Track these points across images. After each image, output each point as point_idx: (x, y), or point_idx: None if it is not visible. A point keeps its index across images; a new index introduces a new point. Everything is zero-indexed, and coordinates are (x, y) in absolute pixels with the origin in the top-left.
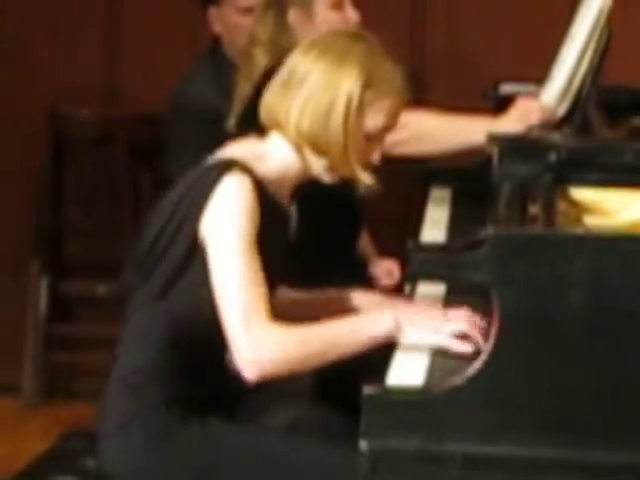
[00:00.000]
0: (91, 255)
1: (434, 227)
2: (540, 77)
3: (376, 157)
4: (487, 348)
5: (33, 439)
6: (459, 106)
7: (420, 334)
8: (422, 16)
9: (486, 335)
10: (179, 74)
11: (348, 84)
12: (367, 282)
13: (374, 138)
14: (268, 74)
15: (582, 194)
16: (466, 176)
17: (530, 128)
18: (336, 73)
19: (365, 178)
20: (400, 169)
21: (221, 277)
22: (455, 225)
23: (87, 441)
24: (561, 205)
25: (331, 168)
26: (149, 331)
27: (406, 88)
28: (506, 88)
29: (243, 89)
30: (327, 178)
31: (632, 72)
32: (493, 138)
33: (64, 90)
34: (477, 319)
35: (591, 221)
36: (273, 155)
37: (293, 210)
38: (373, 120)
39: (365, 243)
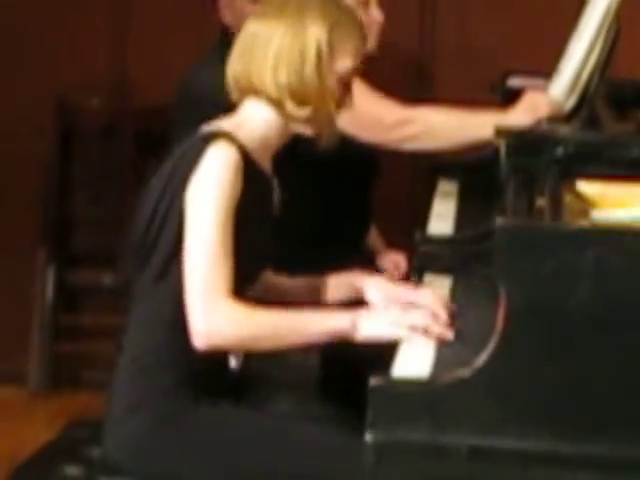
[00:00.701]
0: (98, 245)
1: (441, 220)
2: (550, 71)
3: (349, 103)
4: (494, 340)
5: (39, 428)
6: (468, 99)
7: (376, 328)
8: (432, 9)
9: (449, 327)
10: (187, 65)
11: (315, 30)
12: (374, 274)
13: (345, 82)
14: None
15: (589, 188)
16: (473, 169)
17: (538, 122)
18: (300, 24)
19: (340, 121)
20: (407, 162)
21: (190, 246)
22: (462, 218)
23: (93, 430)
24: (568, 198)
25: (312, 119)
26: (154, 314)
27: (363, 31)
28: (514, 81)
29: None
30: (308, 131)
31: None
32: (500, 131)
33: (72, 81)
34: (441, 310)
35: (598, 215)
36: (252, 120)
37: (275, 181)
38: (342, 62)
39: (373, 236)
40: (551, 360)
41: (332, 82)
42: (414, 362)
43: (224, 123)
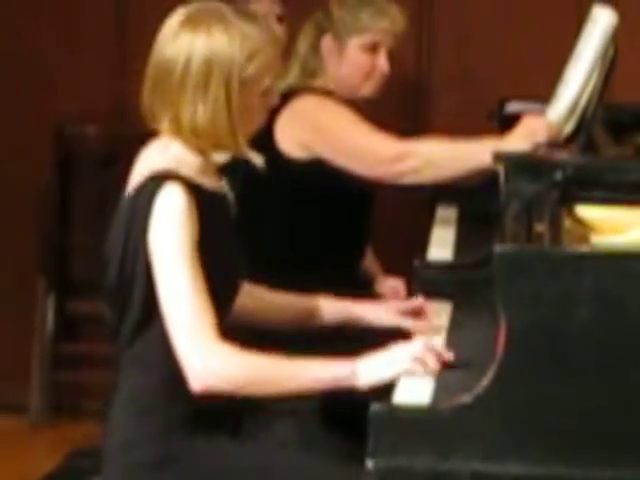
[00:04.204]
0: (98, 274)
1: (440, 245)
2: (548, 96)
3: (274, 100)
4: (495, 365)
5: (40, 458)
6: (466, 126)
7: (376, 371)
8: (429, 36)
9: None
10: None
11: (221, 71)
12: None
13: (270, 90)
14: (290, 95)
15: (588, 212)
16: (472, 195)
17: (536, 146)
18: (207, 68)
19: (254, 157)
20: (406, 188)
21: (167, 297)
22: (461, 243)
23: (93, 460)
24: (567, 223)
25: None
26: (142, 360)
27: (272, 32)
28: (512, 107)
29: None
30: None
31: (637, 90)
32: (499, 156)
33: (70, 110)
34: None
35: (597, 239)
36: (185, 153)
37: (224, 186)
38: (264, 83)
39: (370, 261)
40: (552, 384)
41: (252, 109)
42: (415, 388)
43: (166, 157)
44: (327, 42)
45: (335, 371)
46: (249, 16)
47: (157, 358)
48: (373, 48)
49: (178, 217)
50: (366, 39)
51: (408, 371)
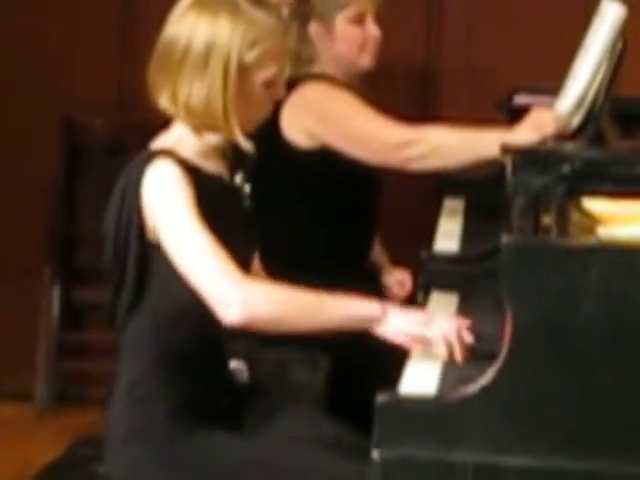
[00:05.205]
0: (103, 263)
1: (447, 238)
2: (556, 89)
3: (280, 93)
4: (500, 357)
5: (44, 446)
6: (475, 117)
7: (403, 323)
8: (438, 27)
9: (467, 350)
10: None
11: (222, 54)
12: (379, 291)
13: (274, 81)
14: (293, 84)
15: (595, 205)
16: (479, 187)
17: (544, 139)
18: (208, 50)
19: (244, 143)
20: (413, 180)
21: (183, 253)
22: (468, 236)
23: (98, 448)
24: (574, 216)
25: (232, 133)
26: (135, 345)
27: (279, 23)
28: (520, 99)
29: None
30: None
31: None
32: (507, 149)
33: (78, 99)
34: (465, 334)
35: (604, 232)
36: (187, 134)
37: (239, 179)
38: (266, 72)
39: (378, 252)
40: (557, 377)
41: (252, 98)
42: (421, 379)
43: (164, 139)
44: (315, 28)
45: (367, 309)
46: (262, 3)
47: (148, 347)
48: (359, 19)
49: (171, 181)
50: (350, 11)
51: (427, 337)
